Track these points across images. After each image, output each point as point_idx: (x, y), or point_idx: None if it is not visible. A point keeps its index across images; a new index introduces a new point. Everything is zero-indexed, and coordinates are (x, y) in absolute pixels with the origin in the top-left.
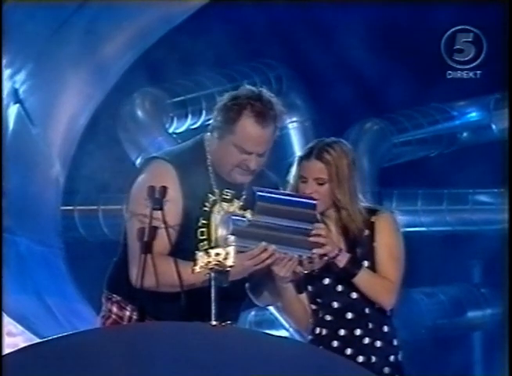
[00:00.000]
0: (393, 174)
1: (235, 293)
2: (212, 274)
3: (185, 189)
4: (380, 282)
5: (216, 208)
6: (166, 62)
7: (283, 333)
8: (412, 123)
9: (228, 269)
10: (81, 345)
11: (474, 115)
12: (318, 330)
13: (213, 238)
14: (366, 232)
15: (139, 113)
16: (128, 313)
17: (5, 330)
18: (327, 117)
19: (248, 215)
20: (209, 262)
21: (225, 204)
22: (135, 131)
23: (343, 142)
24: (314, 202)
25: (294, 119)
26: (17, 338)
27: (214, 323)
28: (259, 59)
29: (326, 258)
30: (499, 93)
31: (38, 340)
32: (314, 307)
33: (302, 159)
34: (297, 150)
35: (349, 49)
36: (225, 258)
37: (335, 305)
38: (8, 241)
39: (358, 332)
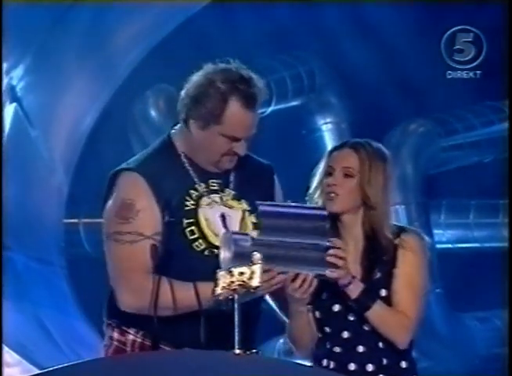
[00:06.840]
0: (441, 182)
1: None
2: (235, 296)
3: (160, 194)
4: (396, 317)
5: (203, 202)
6: (181, 55)
7: None
8: (464, 124)
9: (254, 290)
10: None
11: None
12: (325, 363)
13: (207, 234)
14: (387, 256)
15: (153, 112)
16: (131, 337)
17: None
18: (366, 117)
19: (252, 233)
20: (232, 282)
21: (215, 196)
22: (148, 133)
23: (383, 147)
24: (325, 213)
25: (328, 120)
26: (14, 369)
27: (237, 351)
28: (288, 51)
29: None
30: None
31: (37, 371)
32: (321, 336)
33: (333, 151)
34: None
35: (388, 43)
36: (250, 278)
37: (345, 334)
38: (3, 258)
39: (370, 368)
